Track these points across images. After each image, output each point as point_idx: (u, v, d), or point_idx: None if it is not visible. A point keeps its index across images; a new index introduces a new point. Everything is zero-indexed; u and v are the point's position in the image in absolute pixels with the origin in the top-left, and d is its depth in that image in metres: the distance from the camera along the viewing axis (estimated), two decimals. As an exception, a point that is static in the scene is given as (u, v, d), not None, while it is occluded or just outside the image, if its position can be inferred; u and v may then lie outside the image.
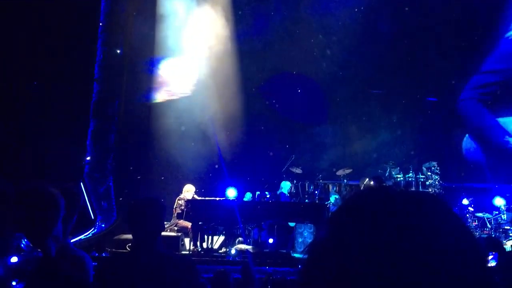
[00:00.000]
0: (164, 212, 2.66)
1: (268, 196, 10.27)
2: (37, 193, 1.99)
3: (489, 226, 9.46)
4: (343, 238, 0.66)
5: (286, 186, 10.31)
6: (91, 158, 10.21)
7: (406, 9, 12.26)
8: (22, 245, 1.69)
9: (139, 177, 10.91)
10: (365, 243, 0.63)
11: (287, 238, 9.03)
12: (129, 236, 8.48)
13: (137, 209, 2.60)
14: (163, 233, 8.77)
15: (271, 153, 12.03)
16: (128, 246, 7.72)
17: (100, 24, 10.34)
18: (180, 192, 9.53)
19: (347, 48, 12.32)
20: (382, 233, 0.63)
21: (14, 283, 1.67)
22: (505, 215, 9.44)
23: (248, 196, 10.15)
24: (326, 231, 0.69)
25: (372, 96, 12.38)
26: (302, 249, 8.54)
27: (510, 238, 9.03)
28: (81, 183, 9.72)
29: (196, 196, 9.41)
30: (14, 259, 1.64)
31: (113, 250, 8.05)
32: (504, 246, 7.16)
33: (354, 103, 12.55)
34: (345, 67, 12.51)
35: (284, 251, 8.65)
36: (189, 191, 9.47)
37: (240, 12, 12.27)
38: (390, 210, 0.66)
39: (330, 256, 0.66)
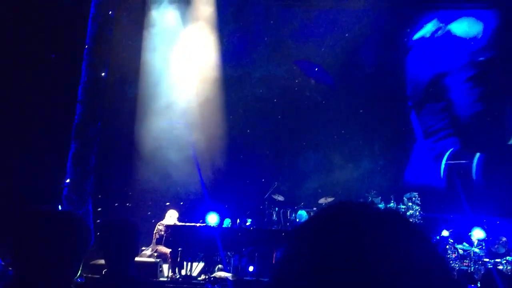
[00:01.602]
0: (138, 234, 2.51)
1: (249, 222, 10.19)
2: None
3: (469, 258, 9.49)
4: (300, 255, 0.66)
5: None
6: (70, 180, 10.04)
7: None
8: None
9: (116, 204, 10.74)
10: (319, 261, 0.62)
11: (268, 266, 8.93)
12: (106, 261, 8.25)
13: (109, 230, 2.47)
14: (141, 259, 8.60)
15: (263, 180, 11.98)
16: (104, 272, 7.53)
17: (86, 46, 10.34)
18: (161, 217, 9.40)
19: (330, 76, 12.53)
20: (338, 249, 0.62)
21: None
22: (477, 248, 9.50)
23: (227, 222, 10.06)
24: (287, 246, 0.69)
25: (355, 125, 12.51)
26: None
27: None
28: (59, 206, 9.53)
29: (177, 222, 9.30)
30: None
31: (89, 275, 7.85)
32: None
33: (336, 131, 12.66)
34: (328, 95, 12.68)
35: (265, 279, 8.54)
36: (171, 217, 9.36)
37: (224, 40, 12.41)
38: (348, 225, 0.66)
39: (290, 272, 0.65)
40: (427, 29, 12.45)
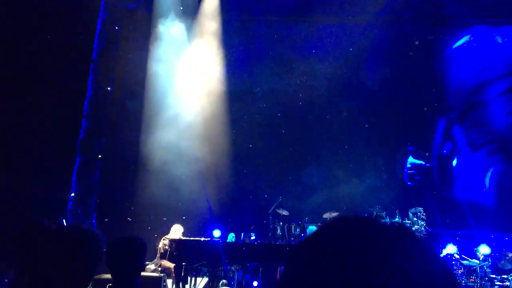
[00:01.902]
0: (144, 251, 2.57)
1: (253, 237, 10.16)
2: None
3: (475, 274, 9.39)
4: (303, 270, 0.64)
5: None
6: (75, 194, 10.07)
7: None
8: None
9: (129, 219, 10.75)
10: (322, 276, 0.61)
11: (272, 281, 8.87)
12: (110, 276, 8.22)
13: (116, 248, 2.51)
14: (145, 274, 8.56)
15: (266, 196, 11.93)
16: (108, 286, 7.51)
17: (92, 61, 10.46)
18: (165, 231, 9.38)
19: (334, 92, 12.55)
20: (343, 263, 0.61)
21: None
22: (485, 264, 9.40)
23: (230, 236, 10.03)
24: (288, 262, 0.68)
25: (359, 139, 12.51)
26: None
27: (496, 286, 8.98)
28: (64, 220, 9.54)
29: (182, 237, 9.27)
30: None
31: (93, 290, 7.81)
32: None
33: (341, 146, 12.66)
34: (332, 110, 12.70)
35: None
36: (176, 231, 9.34)
37: (229, 54, 12.50)
38: (355, 239, 0.64)
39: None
40: (464, 39, 12.27)
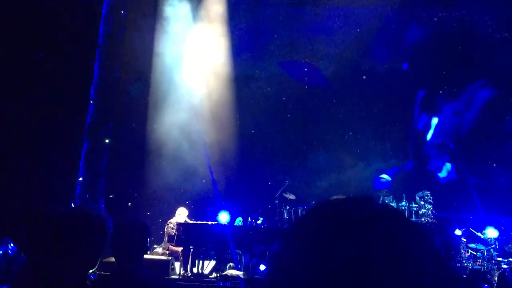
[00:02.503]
0: (147, 235, 2.60)
1: (260, 221, 10.21)
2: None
3: (482, 257, 9.40)
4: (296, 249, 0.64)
5: None
6: (83, 179, 10.15)
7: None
8: (9, 251, 1.71)
9: (129, 204, 10.84)
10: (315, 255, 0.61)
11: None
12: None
13: (120, 230, 2.54)
14: (153, 257, 8.66)
15: (269, 183, 11.98)
16: (115, 270, 7.61)
17: (98, 47, 10.43)
18: (172, 215, 9.45)
19: (341, 76, 12.46)
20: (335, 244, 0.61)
21: None
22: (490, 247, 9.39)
23: (238, 220, 10.09)
24: (283, 240, 0.68)
25: (367, 124, 12.45)
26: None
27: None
28: (72, 205, 9.63)
29: (188, 220, 9.34)
30: None
31: (102, 272, 7.93)
32: (495, 279, 7.14)
33: (348, 130, 12.62)
34: (339, 94, 12.63)
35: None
36: (181, 214, 9.40)
37: (235, 38, 12.42)
38: (339, 222, 0.64)
39: (285, 267, 0.64)
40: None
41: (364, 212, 0.66)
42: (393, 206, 0.69)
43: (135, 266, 2.46)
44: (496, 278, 6.66)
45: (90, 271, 2.12)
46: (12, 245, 1.51)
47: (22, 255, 1.76)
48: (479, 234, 9.62)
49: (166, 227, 9.31)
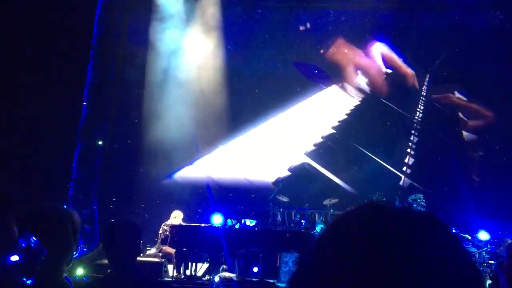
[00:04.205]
0: (139, 236, 2.57)
1: (253, 223, 10.19)
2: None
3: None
4: (331, 259, 0.62)
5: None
6: (76, 180, 10.11)
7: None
8: (32, 244, 1.73)
9: (123, 205, 10.81)
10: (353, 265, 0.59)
11: (272, 267, 8.93)
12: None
13: (112, 232, 2.53)
14: (146, 259, 8.64)
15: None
16: (109, 272, 7.58)
17: (92, 47, 10.40)
18: (167, 217, 9.44)
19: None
20: (374, 253, 0.59)
21: (24, 279, 1.71)
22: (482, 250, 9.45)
23: (230, 222, 10.05)
24: (312, 252, 0.66)
25: (360, 126, 12.49)
26: (287, 278, 8.44)
27: (490, 273, 9.02)
28: (65, 206, 9.58)
29: (182, 223, 9.33)
30: (14, 258, 1.68)
31: (94, 275, 7.90)
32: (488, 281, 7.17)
33: (341, 133, 12.65)
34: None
35: (270, 280, 8.55)
36: (176, 217, 9.39)
37: (229, 40, 12.40)
38: (383, 230, 0.62)
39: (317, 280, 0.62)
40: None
41: (407, 218, 0.65)
42: (433, 215, 0.68)
43: (129, 268, 2.44)
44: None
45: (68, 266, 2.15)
46: (34, 238, 1.54)
47: (44, 249, 1.79)
48: (466, 235, 9.67)
49: (161, 229, 9.29)
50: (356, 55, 12.61)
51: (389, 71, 12.58)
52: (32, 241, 1.72)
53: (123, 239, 2.44)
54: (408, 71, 12.53)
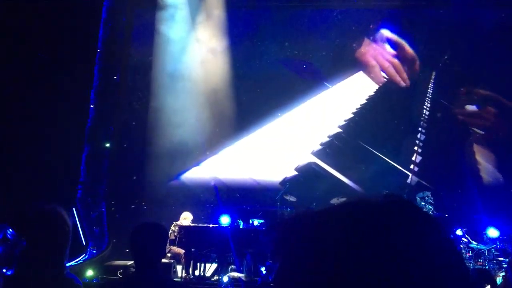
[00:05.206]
0: (166, 238, 2.64)
1: (260, 223, 10.20)
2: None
3: (483, 257, 9.40)
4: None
5: None
6: (84, 183, 10.16)
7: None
8: (8, 235, 1.75)
9: (133, 206, 10.86)
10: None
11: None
12: (120, 263, 8.38)
13: (139, 233, 2.56)
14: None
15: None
16: (119, 273, 7.61)
17: (98, 50, 10.46)
18: (176, 219, 9.46)
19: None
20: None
21: (4, 270, 1.75)
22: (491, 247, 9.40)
23: (239, 223, 10.08)
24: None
25: (366, 124, 12.47)
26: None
27: (504, 270, 8.98)
28: (74, 208, 9.64)
29: (191, 224, 9.35)
30: None
31: (104, 276, 7.94)
32: (497, 278, 7.13)
33: (347, 131, 12.63)
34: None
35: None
36: (186, 219, 9.41)
37: (234, 41, 12.41)
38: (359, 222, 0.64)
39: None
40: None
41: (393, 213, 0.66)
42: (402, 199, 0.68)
43: (153, 268, 2.47)
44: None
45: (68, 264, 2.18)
46: (11, 230, 1.56)
47: (23, 240, 1.83)
48: (468, 238, 9.63)
49: (170, 230, 9.32)
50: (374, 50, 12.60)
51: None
52: (9, 232, 1.75)
53: (150, 240, 2.49)
54: (412, 52, 12.49)
